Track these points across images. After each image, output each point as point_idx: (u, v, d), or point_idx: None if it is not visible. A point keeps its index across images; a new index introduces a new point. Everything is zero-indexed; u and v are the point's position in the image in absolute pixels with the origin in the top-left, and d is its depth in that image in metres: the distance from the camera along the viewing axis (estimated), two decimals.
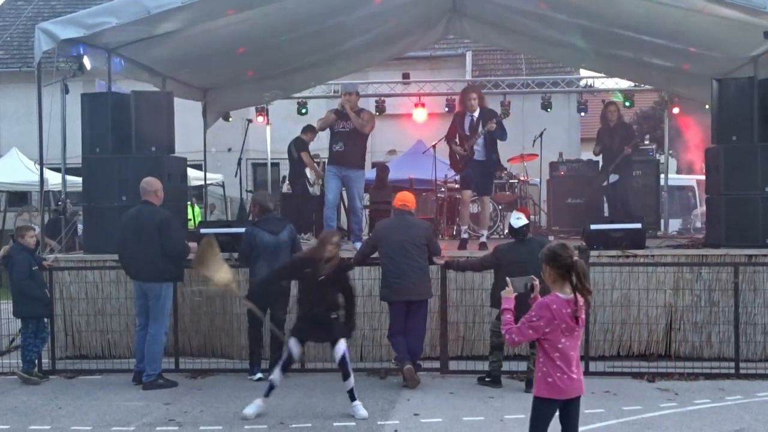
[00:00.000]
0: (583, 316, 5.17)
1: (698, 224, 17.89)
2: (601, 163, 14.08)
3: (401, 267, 8.85)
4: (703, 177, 12.42)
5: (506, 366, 9.00)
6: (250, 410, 7.71)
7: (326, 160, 12.39)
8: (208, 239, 8.42)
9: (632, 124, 17.76)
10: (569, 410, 5.27)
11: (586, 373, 9.01)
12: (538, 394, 5.25)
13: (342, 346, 7.84)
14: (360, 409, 7.69)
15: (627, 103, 16.68)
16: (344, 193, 12.18)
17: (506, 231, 14.84)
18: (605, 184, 13.72)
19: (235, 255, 9.64)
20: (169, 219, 9.20)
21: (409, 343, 8.92)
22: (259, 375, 9.19)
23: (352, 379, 7.81)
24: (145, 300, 9.09)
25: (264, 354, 9.58)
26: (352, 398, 7.78)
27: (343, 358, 7.81)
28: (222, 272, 8.18)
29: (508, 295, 5.35)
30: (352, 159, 11.40)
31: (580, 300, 5.12)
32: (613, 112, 13.85)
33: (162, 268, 9.00)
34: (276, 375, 7.80)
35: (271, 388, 7.78)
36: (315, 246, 8.23)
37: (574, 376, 5.17)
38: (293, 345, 7.83)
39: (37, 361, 9.64)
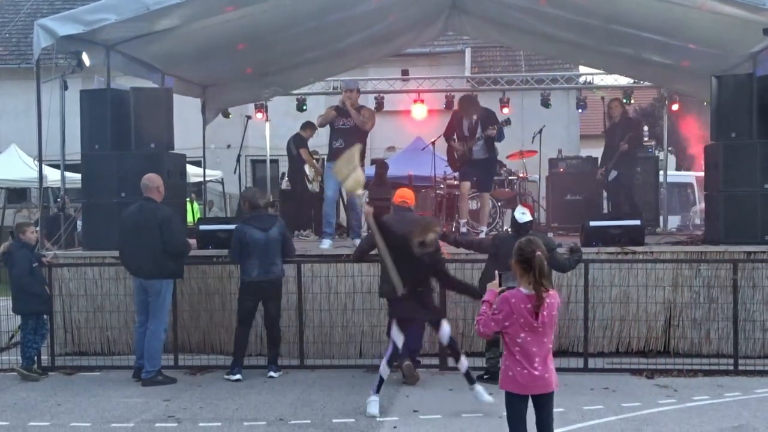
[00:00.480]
0: (552, 312, 5.21)
1: (697, 221, 17.87)
2: (600, 160, 14.06)
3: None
4: (702, 174, 12.40)
5: None
6: (374, 409, 7.59)
7: (326, 157, 12.34)
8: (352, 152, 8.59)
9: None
10: (537, 407, 5.32)
11: (585, 369, 9.08)
12: (501, 387, 5.36)
13: (447, 327, 7.98)
14: (483, 394, 7.71)
15: (625, 100, 16.61)
16: (343, 190, 12.16)
17: (506, 227, 14.88)
18: (607, 180, 13.71)
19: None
20: (171, 216, 9.20)
21: (408, 340, 8.92)
22: (238, 376, 9.10)
23: (464, 359, 7.87)
24: (145, 296, 9.10)
25: (262, 350, 9.59)
26: (471, 381, 7.84)
27: (451, 338, 7.95)
28: (355, 178, 8.38)
29: (493, 287, 5.41)
30: None
31: (550, 296, 5.19)
32: (614, 108, 13.79)
33: (162, 265, 9.01)
34: (384, 369, 7.74)
35: (381, 382, 7.70)
36: (419, 227, 8.03)
37: (536, 372, 5.20)
38: (396, 334, 7.84)
39: (36, 357, 9.65)
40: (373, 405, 7.63)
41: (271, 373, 9.22)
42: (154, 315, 9.06)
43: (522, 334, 5.19)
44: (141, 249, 8.98)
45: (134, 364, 9.26)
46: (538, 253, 5.16)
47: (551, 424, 5.39)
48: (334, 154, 11.27)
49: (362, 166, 11.22)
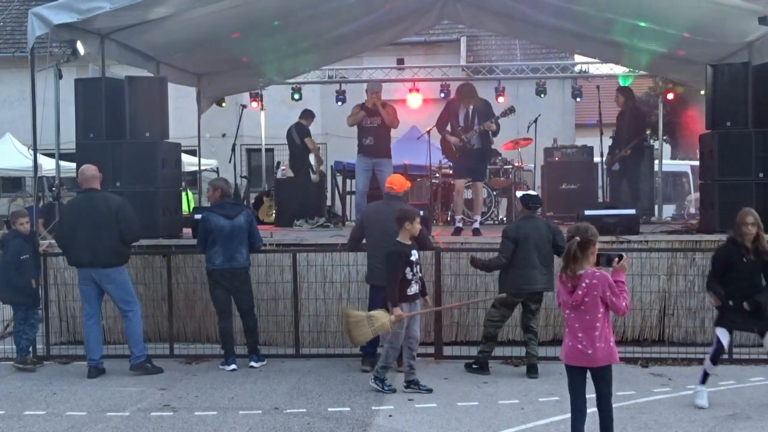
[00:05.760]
0: (592, 292, 5.62)
1: (692, 210, 17.89)
2: (610, 145, 14.11)
3: (381, 252, 8.66)
4: (698, 163, 12.40)
5: (500, 351, 9.03)
6: (701, 401, 7.43)
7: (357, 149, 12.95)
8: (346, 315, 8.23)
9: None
10: (593, 381, 5.77)
11: None
12: (561, 357, 5.93)
13: None
14: None
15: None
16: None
17: (501, 216, 14.92)
18: (614, 168, 13.75)
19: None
20: (126, 204, 9.16)
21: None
22: (233, 366, 9.10)
23: None
24: (94, 288, 8.98)
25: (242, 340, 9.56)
26: None
27: None
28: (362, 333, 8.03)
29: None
30: (380, 150, 12.62)
31: (588, 276, 5.67)
32: (616, 98, 13.94)
33: (121, 252, 9.01)
34: (707, 365, 7.53)
35: (706, 375, 7.50)
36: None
37: (579, 346, 5.65)
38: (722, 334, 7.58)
39: (31, 347, 9.61)
40: (702, 397, 7.48)
41: (252, 363, 9.19)
42: (125, 303, 8.99)
43: (567, 310, 5.75)
44: (97, 240, 8.83)
45: (90, 362, 8.94)
46: (576, 238, 5.76)
47: (608, 399, 5.84)
48: (364, 150, 12.61)
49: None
